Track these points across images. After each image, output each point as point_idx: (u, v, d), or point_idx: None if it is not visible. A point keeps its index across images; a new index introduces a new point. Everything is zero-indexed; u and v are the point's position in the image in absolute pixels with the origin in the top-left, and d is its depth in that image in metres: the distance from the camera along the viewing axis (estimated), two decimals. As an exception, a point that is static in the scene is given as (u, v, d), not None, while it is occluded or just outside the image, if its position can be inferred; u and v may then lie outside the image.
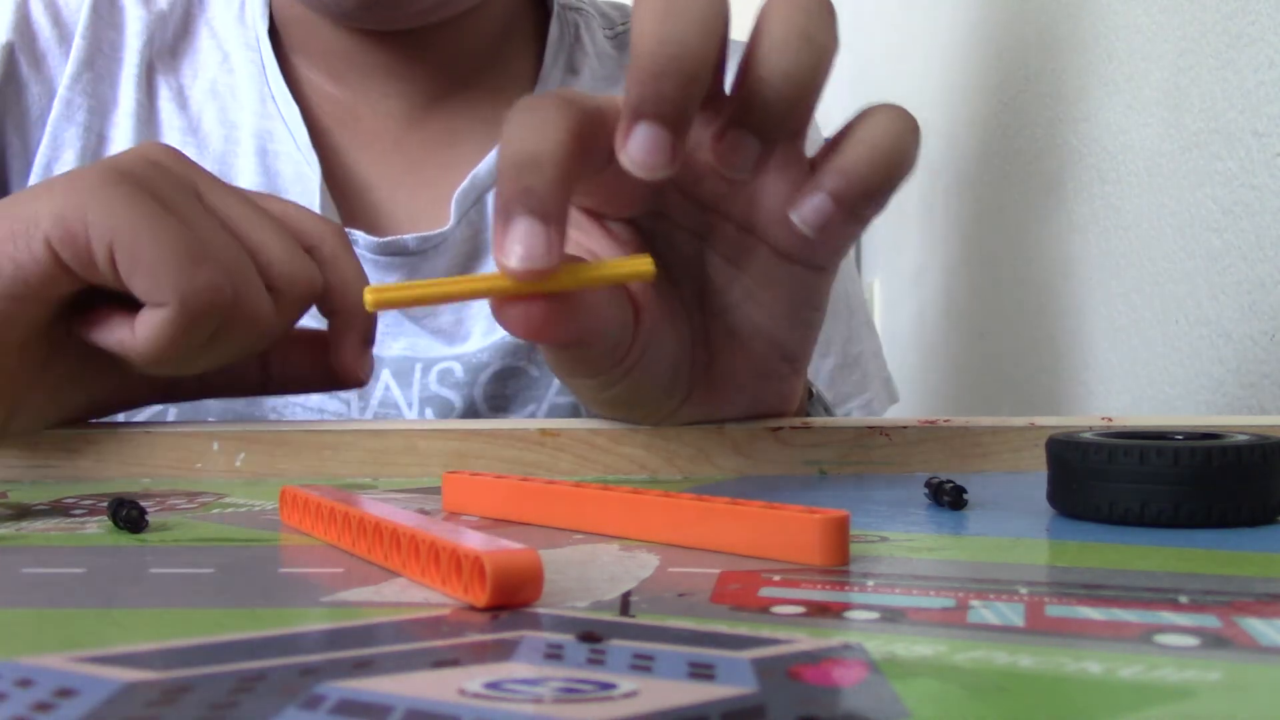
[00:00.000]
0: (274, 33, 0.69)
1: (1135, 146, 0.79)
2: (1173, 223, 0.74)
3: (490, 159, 0.66)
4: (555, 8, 0.72)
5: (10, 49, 0.65)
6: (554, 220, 0.33)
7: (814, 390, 0.54)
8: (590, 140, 0.35)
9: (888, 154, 0.38)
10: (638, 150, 0.34)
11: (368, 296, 0.33)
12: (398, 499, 0.39)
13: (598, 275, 0.35)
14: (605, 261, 0.37)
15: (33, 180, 0.64)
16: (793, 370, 0.45)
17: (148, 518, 0.33)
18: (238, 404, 0.62)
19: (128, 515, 0.33)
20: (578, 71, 0.71)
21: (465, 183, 0.66)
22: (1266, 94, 0.63)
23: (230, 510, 0.37)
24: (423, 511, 0.35)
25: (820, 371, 0.71)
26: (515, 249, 0.33)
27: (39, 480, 0.45)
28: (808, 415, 0.53)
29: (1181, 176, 0.73)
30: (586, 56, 0.72)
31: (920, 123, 0.40)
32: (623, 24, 0.75)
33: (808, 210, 0.38)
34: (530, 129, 0.34)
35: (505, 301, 0.35)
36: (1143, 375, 0.79)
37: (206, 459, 0.45)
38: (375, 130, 0.68)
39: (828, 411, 0.54)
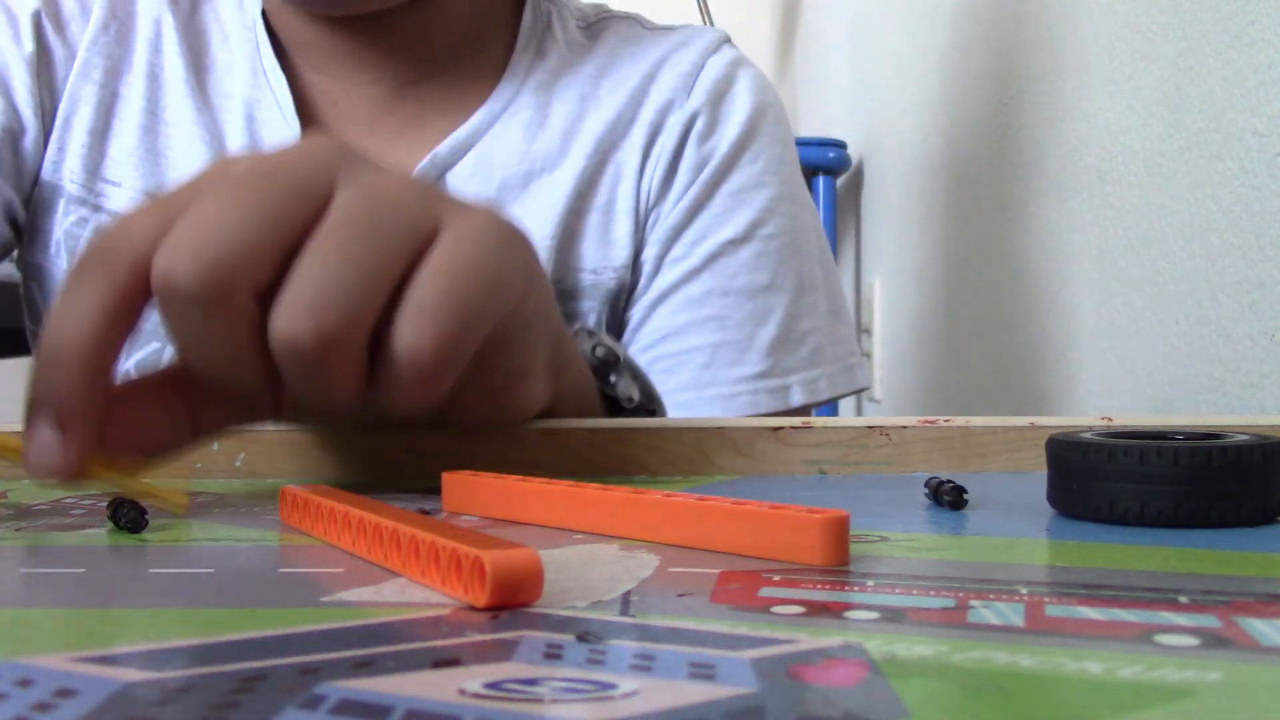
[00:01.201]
0: (268, 20, 0.74)
1: (1135, 146, 0.79)
2: (1173, 223, 0.74)
3: (451, 140, 0.71)
4: None
5: (38, 17, 0.71)
6: (71, 426, 0.34)
7: (620, 355, 0.52)
8: (135, 300, 0.35)
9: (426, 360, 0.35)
10: (32, 451, 0.35)
11: None
12: (398, 499, 0.39)
13: (131, 488, 0.36)
14: (143, 483, 0.37)
15: (54, 136, 0.70)
16: (515, 380, 0.42)
17: (148, 518, 0.33)
18: None
19: (128, 515, 0.33)
20: (545, 56, 0.74)
21: (424, 162, 0.70)
22: (1266, 94, 0.63)
23: (230, 510, 0.37)
24: (423, 511, 0.35)
25: (757, 339, 0.70)
26: (32, 459, 0.35)
27: (39, 480, 0.45)
28: (614, 387, 0.51)
29: (1181, 176, 0.72)
30: (555, 43, 0.75)
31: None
32: (596, 18, 0.78)
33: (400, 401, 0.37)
34: (66, 308, 0.35)
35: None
36: (1143, 375, 0.79)
37: (206, 459, 0.45)
38: (352, 114, 0.72)
39: (636, 378, 0.52)
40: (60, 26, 0.71)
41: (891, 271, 1.56)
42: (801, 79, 2.38)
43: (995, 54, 1.12)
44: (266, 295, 0.35)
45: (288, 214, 0.34)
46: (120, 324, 0.35)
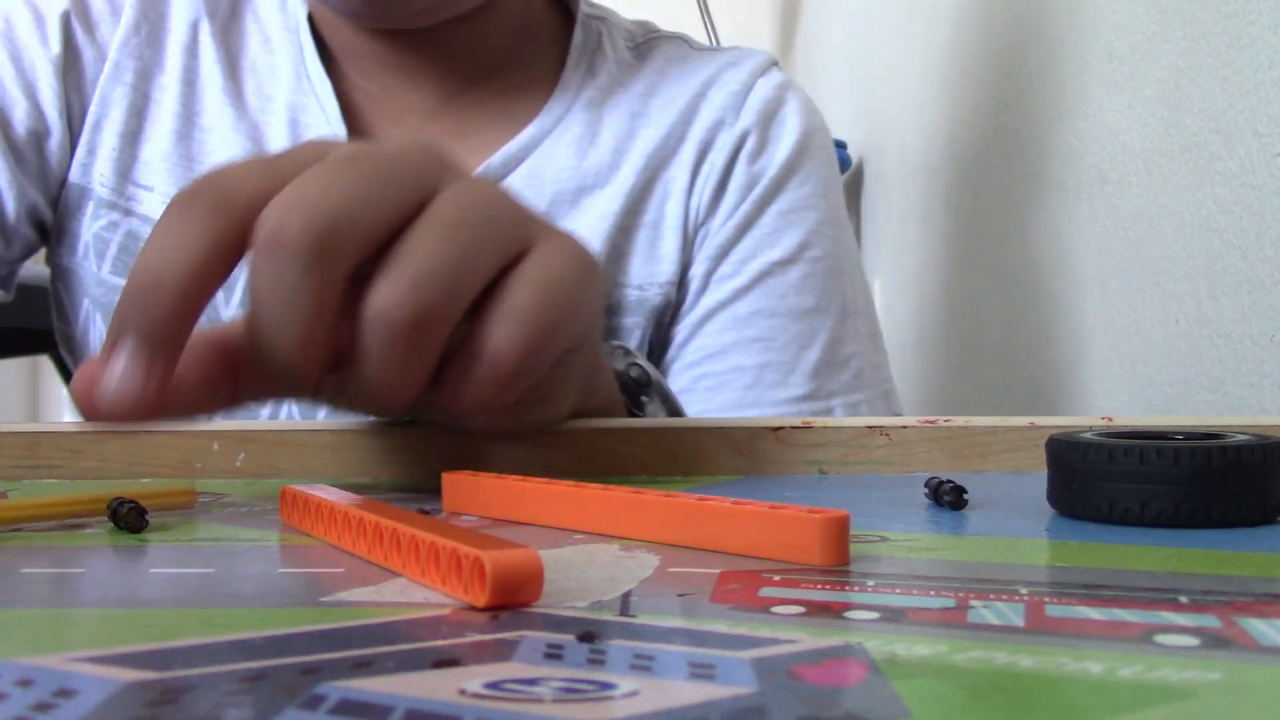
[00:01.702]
0: (313, 24, 0.74)
1: (1135, 146, 0.79)
2: (1173, 223, 0.74)
3: (503, 152, 0.71)
4: (580, 16, 0.76)
5: (67, 17, 0.71)
6: (164, 356, 0.34)
7: (653, 376, 0.53)
8: (234, 250, 0.35)
9: (509, 377, 0.36)
10: (110, 376, 0.34)
11: None
12: (398, 499, 0.39)
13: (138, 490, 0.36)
14: (150, 487, 0.37)
15: (83, 138, 0.70)
16: (546, 399, 0.42)
17: (148, 518, 0.33)
18: None
19: (128, 515, 0.33)
20: (595, 73, 0.75)
21: (477, 171, 0.70)
22: (1266, 94, 0.63)
23: (230, 510, 0.37)
24: (423, 511, 0.35)
25: (802, 361, 0.71)
26: (111, 388, 0.34)
27: (39, 480, 0.45)
28: (641, 406, 0.52)
29: (1181, 176, 0.72)
30: (606, 61, 0.75)
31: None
32: (644, 37, 0.78)
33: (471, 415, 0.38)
34: (167, 241, 0.35)
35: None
36: (1143, 375, 0.79)
37: (206, 459, 0.45)
38: (398, 121, 0.72)
39: (665, 400, 0.53)
40: (90, 27, 0.71)
41: (891, 271, 1.56)
42: (802, 79, 2.37)
43: (995, 54, 1.12)
44: (355, 276, 0.35)
45: (395, 199, 0.35)
46: (221, 266, 0.35)
